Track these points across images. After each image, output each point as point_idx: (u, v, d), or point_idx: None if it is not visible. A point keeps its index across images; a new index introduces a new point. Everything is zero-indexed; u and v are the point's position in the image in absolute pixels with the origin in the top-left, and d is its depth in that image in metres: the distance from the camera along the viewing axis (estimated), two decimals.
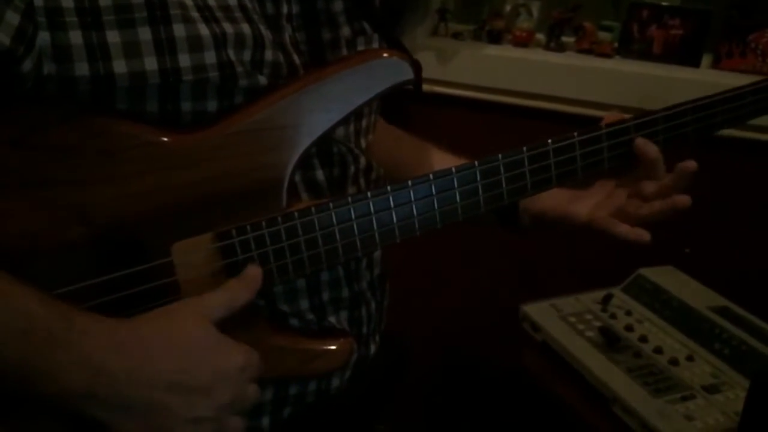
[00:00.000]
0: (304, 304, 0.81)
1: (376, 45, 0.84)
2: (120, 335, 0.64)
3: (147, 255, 0.69)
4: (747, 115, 0.90)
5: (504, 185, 0.81)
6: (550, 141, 0.82)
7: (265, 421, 0.81)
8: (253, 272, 0.72)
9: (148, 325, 0.67)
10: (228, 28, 0.70)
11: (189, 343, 0.67)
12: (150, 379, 0.64)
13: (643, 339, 1.29)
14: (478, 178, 0.80)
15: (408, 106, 1.58)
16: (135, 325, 0.66)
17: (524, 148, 0.82)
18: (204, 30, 0.68)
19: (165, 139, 0.69)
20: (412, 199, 0.77)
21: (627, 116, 0.87)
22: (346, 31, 0.82)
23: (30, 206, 0.66)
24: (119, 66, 0.65)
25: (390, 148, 0.98)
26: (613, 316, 1.36)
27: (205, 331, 0.68)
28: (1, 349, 0.60)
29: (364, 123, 0.86)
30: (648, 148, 0.85)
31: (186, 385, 0.65)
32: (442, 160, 0.98)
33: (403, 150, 1.02)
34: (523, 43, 1.80)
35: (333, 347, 0.80)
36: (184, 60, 0.67)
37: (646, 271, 1.46)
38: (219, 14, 0.70)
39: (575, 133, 0.84)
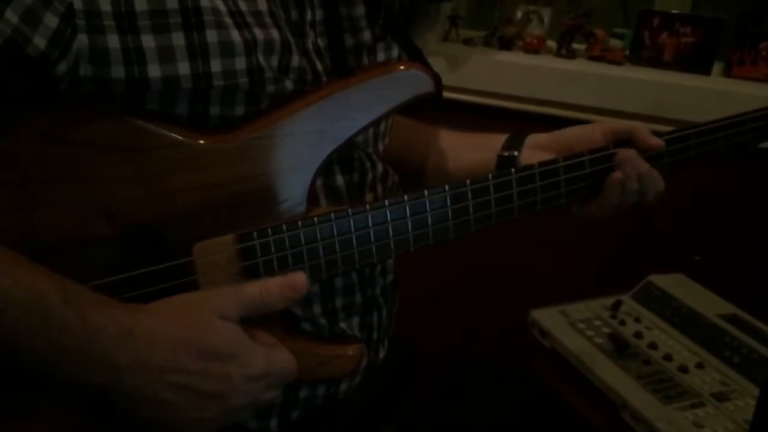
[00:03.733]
0: (317, 309, 0.81)
1: (395, 51, 0.85)
2: (133, 331, 0.64)
3: (169, 253, 0.70)
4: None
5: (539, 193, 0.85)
6: (585, 152, 0.87)
7: (273, 423, 0.82)
8: (300, 280, 0.71)
9: (162, 318, 0.66)
10: (258, 33, 0.71)
11: (201, 345, 0.65)
12: (155, 376, 0.64)
13: (653, 346, 1.29)
14: (491, 192, 0.82)
15: (418, 111, 1.58)
16: (149, 320, 0.65)
17: (559, 158, 0.85)
18: (236, 36, 0.69)
19: (192, 140, 0.70)
20: (428, 209, 0.78)
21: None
22: (367, 35, 0.83)
23: (57, 200, 0.67)
24: (153, 70, 0.66)
25: (400, 133, 0.98)
26: (622, 323, 1.36)
27: (221, 334, 0.66)
28: (16, 338, 0.61)
29: (382, 127, 0.87)
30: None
31: (193, 387, 0.65)
32: (448, 137, 1.00)
33: (412, 135, 1.02)
34: (533, 49, 1.80)
35: (344, 353, 0.80)
36: (216, 65, 0.68)
37: (656, 278, 1.46)
38: (250, 20, 0.71)
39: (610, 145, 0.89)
